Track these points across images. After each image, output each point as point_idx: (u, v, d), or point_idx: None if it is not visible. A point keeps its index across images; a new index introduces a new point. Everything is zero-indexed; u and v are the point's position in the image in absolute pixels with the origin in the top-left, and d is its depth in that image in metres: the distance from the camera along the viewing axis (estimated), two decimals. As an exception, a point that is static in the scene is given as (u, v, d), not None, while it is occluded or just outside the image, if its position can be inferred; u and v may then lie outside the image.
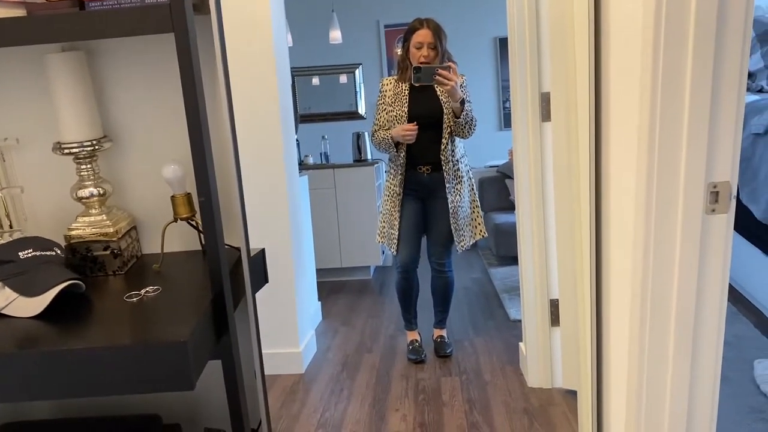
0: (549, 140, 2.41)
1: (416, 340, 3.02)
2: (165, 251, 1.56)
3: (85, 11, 1.27)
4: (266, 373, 2.84)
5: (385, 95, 2.83)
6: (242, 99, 2.70)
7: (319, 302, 3.74)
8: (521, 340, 2.74)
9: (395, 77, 2.85)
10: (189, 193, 1.44)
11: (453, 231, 2.79)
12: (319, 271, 4.45)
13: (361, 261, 4.60)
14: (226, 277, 1.32)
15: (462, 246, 2.82)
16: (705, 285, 1.07)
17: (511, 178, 5.06)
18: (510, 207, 5.04)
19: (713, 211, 1.03)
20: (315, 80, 6.14)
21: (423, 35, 2.71)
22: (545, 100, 2.40)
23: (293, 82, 6.03)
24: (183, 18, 1.19)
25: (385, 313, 3.71)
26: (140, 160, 1.51)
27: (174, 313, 1.25)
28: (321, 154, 4.99)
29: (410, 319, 3.05)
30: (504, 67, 5.97)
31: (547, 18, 2.35)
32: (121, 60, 1.48)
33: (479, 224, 2.89)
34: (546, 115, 2.40)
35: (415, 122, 2.70)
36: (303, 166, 4.70)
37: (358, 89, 6.06)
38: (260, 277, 1.66)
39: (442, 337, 3.06)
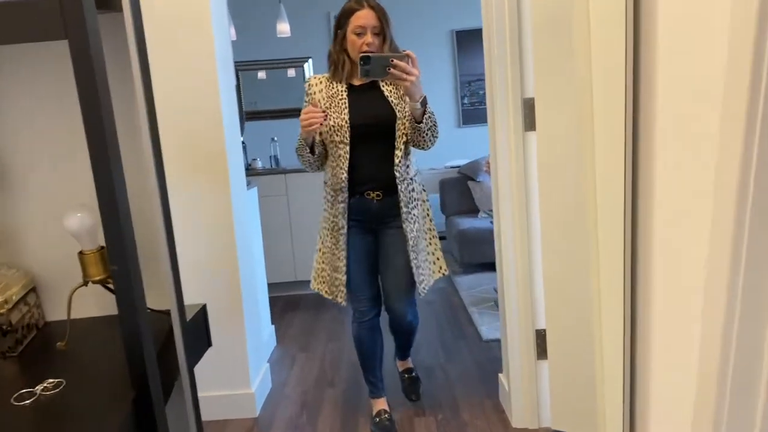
0: (533, 152, 2.14)
1: (385, 411, 2.37)
2: (77, 317, 1.22)
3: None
4: (214, 418, 2.49)
5: (313, 98, 2.18)
6: (178, 102, 2.33)
7: (273, 326, 3.40)
8: (500, 371, 2.48)
9: (326, 76, 2.21)
10: (103, 248, 1.10)
11: (414, 269, 2.18)
12: (272, 286, 4.10)
13: (317, 273, 4.26)
14: (151, 364, 0.98)
15: (424, 288, 2.22)
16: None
17: (474, 180, 4.81)
18: (474, 210, 4.79)
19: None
20: (261, 74, 5.74)
21: (364, 17, 2.08)
22: (528, 106, 2.12)
23: (237, 77, 5.63)
24: (80, 20, 0.84)
25: (345, 334, 3.40)
26: (39, 205, 1.15)
27: (83, 420, 0.92)
28: (271, 157, 4.62)
29: (376, 383, 2.40)
30: (462, 62, 5.72)
31: (530, 9, 2.07)
32: (15, 74, 1.11)
33: (438, 258, 2.32)
34: (530, 124, 2.12)
35: (351, 135, 2.10)
36: (251, 171, 4.33)
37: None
38: (201, 343, 1.33)
39: (409, 370, 2.61)
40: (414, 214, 2.20)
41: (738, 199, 0.79)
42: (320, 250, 2.29)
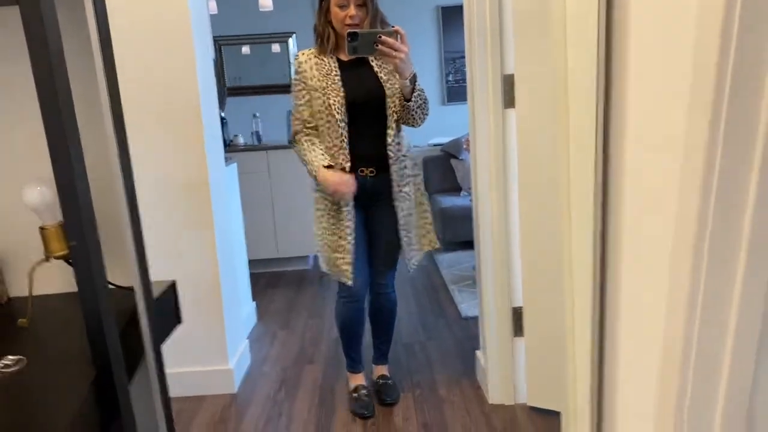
0: (512, 129, 2.12)
1: (363, 386, 2.39)
2: (41, 293, 1.20)
3: None
4: (193, 393, 2.49)
5: (305, 76, 2.12)
6: (154, 78, 2.28)
7: (254, 302, 3.39)
8: (478, 348, 2.49)
9: (313, 51, 2.15)
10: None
11: (404, 245, 2.20)
12: (254, 263, 4.08)
13: (299, 250, 4.25)
14: (113, 342, 0.97)
15: (414, 263, 2.25)
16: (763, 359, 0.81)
17: (457, 158, 4.79)
18: (456, 189, 4.79)
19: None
20: (245, 49, 5.64)
21: None
22: (508, 83, 2.10)
23: (220, 51, 5.53)
24: (30, -16, 0.81)
25: (326, 311, 3.40)
26: (-3, 178, 1.12)
27: (43, 398, 0.90)
28: (252, 133, 4.56)
29: (358, 359, 2.43)
30: (447, 38, 5.66)
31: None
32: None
33: (428, 232, 2.31)
34: (509, 101, 2.10)
35: (347, 113, 2.06)
36: (232, 147, 4.28)
37: (292, 59, 5.61)
38: (169, 320, 1.31)
39: (385, 377, 2.46)
40: (405, 191, 2.19)
41: (703, 179, 0.78)
42: (317, 233, 2.23)
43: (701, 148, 0.76)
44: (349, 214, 2.13)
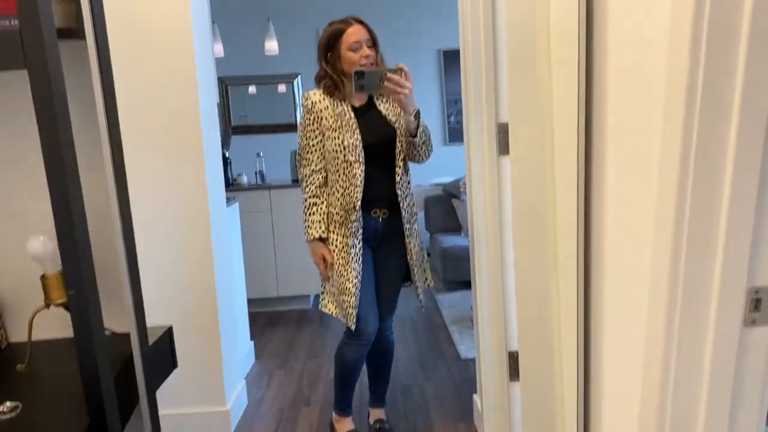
0: (507, 175, 2.17)
1: (354, 430, 2.39)
2: (41, 338, 1.22)
3: None
4: (188, 438, 2.48)
5: (320, 116, 2.13)
6: (157, 119, 2.34)
7: (252, 341, 3.39)
8: (475, 391, 2.49)
9: (321, 93, 2.17)
10: (65, 271, 1.11)
11: (416, 281, 2.26)
12: (254, 302, 4.10)
13: (300, 290, 4.27)
14: (108, 389, 0.99)
15: (422, 299, 2.32)
16: (739, 412, 0.83)
17: (458, 198, 4.84)
18: (457, 228, 4.82)
19: (753, 322, 0.78)
20: (251, 89, 5.77)
21: (357, 32, 2.09)
22: (503, 131, 2.15)
23: (226, 91, 5.65)
24: (40, 50, 0.86)
25: (325, 351, 3.40)
26: (2, 228, 1.16)
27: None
28: (256, 172, 4.63)
29: (350, 403, 2.40)
30: (449, 81, 5.78)
31: (505, 35, 2.10)
32: (-26, 95, 1.13)
33: (425, 270, 2.35)
34: (504, 148, 2.15)
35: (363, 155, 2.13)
36: (235, 186, 4.34)
37: (297, 99, 5.73)
38: (165, 366, 1.33)
39: (382, 421, 2.44)
40: (415, 228, 2.26)
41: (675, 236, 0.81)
42: (335, 272, 2.22)
43: (672, 198, 0.80)
44: (356, 256, 2.15)
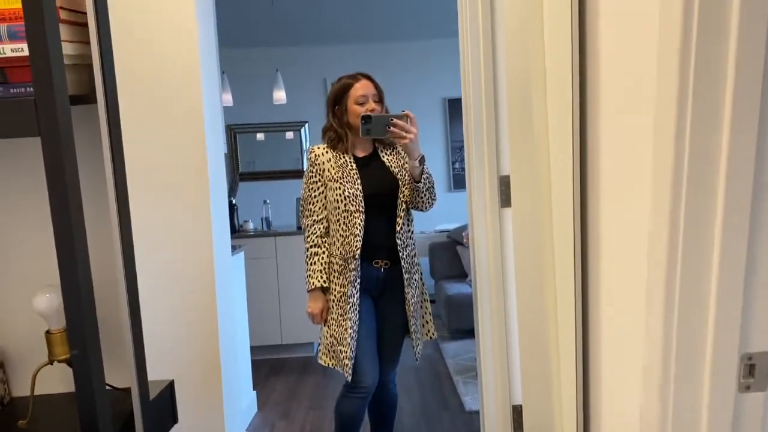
0: (509, 227, 2.19)
1: None
2: (43, 392, 1.23)
3: (-74, 102, 0.96)
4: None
5: (322, 168, 2.19)
6: (163, 167, 2.38)
7: (255, 391, 3.37)
8: (480, 445, 2.45)
9: (325, 147, 2.24)
10: (70, 327, 1.13)
11: (413, 334, 2.23)
12: (257, 349, 4.08)
13: (304, 337, 4.25)
14: (109, 449, 1.00)
15: (418, 353, 2.29)
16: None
17: (462, 245, 4.85)
18: (462, 275, 4.82)
19: (747, 388, 0.79)
20: (260, 136, 5.87)
21: (364, 86, 2.18)
22: (504, 183, 2.19)
23: (234, 139, 5.75)
24: (53, 118, 0.90)
25: (328, 401, 3.36)
26: (10, 282, 1.19)
27: None
28: (262, 219, 4.67)
29: None
30: (453, 128, 5.87)
31: (505, 89, 2.15)
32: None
33: (428, 322, 2.34)
34: (505, 201, 2.17)
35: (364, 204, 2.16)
36: (241, 233, 4.37)
37: (304, 146, 5.82)
38: (165, 421, 1.33)
39: None
40: (415, 279, 2.26)
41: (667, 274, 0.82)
42: (326, 322, 2.24)
43: (663, 265, 0.81)
44: (353, 306, 2.15)
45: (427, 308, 2.36)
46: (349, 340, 2.14)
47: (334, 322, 2.20)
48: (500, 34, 2.15)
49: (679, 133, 0.78)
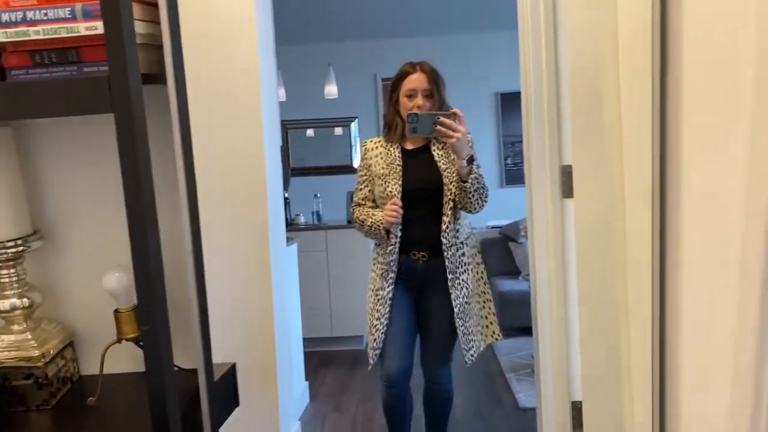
0: (570, 219, 2.12)
1: None
2: (111, 372, 1.25)
3: (5, 83, 0.98)
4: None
5: (369, 164, 2.23)
6: (223, 161, 2.42)
7: (307, 382, 3.39)
8: (536, 442, 2.40)
9: (381, 139, 2.25)
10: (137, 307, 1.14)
11: (461, 336, 2.17)
12: (308, 341, 4.09)
13: (354, 330, 4.25)
14: (175, 425, 1.00)
15: (472, 355, 2.20)
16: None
17: (515, 241, 4.78)
18: (515, 272, 4.74)
19: None
20: (310, 132, 5.92)
21: (416, 80, 2.14)
22: (566, 173, 2.12)
23: (286, 134, 5.81)
24: (126, 95, 0.90)
25: (378, 393, 3.34)
26: (80, 262, 1.21)
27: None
28: (313, 213, 4.70)
29: None
30: (505, 123, 5.78)
31: (568, 77, 2.09)
32: (60, 137, 1.19)
33: (491, 323, 2.28)
34: (567, 191, 2.11)
35: (403, 200, 2.13)
36: (293, 226, 4.41)
37: (353, 142, 5.83)
38: (228, 403, 1.34)
39: None
40: (462, 280, 2.19)
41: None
42: (368, 311, 2.29)
43: (760, 258, 0.76)
44: (383, 299, 2.17)
45: (489, 308, 2.30)
46: (374, 331, 2.18)
47: (369, 311, 2.27)
48: (562, 18, 2.09)
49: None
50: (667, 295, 1.16)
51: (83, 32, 0.95)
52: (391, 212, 2.10)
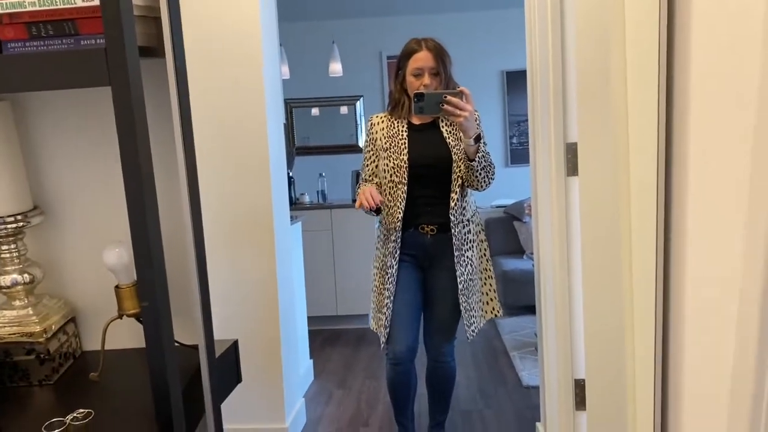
0: (575, 197, 2.11)
1: None
2: (113, 348, 1.25)
3: (2, 55, 0.97)
4: (246, 455, 2.50)
5: (374, 138, 2.20)
6: (226, 138, 2.41)
7: (311, 359, 3.41)
8: (539, 419, 2.41)
9: (386, 114, 2.24)
10: (138, 283, 1.14)
11: (464, 312, 2.16)
12: (313, 320, 4.12)
13: (359, 308, 4.26)
14: (176, 400, 1.00)
15: (473, 331, 2.19)
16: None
17: (520, 220, 4.76)
18: (519, 251, 4.73)
19: None
20: (315, 111, 5.87)
21: (422, 58, 2.11)
22: (571, 151, 2.10)
23: (290, 113, 5.77)
24: (123, 68, 0.89)
25: (383, 372, 3.36)
26: (81, 237, 1.21)
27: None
28: (318, 192, 4.69)
29: (406, 425, 2.36)
30: (511, 102, 5.72)
31: (574, 55, 2.06)
32: (60, 112, 1.18)
33: (492, 300, 2.27)
34: (572, 169, 2.09)
35: (410, 174, 2.11)
36: (298, 205, 4.40)
37: (359, 121, 5.79)
38: (230, 379, 1.34)
39: None
40: (467, 257, 2.19)
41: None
42: (372, 289, 2.28)
43: (764, 229, 0.75)
44: (392, 277, 2.16)
45: (490, 285, 2.30)
46: (385, 309, 2.17)
47: (376, 290, 2.25)
48: (570, -6, 2.05)
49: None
50: (672, 274, 1.15)
51: (79, 3, 0.93)
52: (363, 198, 2.06)
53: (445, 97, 1.99)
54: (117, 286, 1.12)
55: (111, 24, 0.89)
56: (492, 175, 2.16)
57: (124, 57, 0.88)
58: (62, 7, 0.93)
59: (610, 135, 1.61)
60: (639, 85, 1.29)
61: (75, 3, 0.93)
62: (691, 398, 1.09)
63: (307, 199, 4.55)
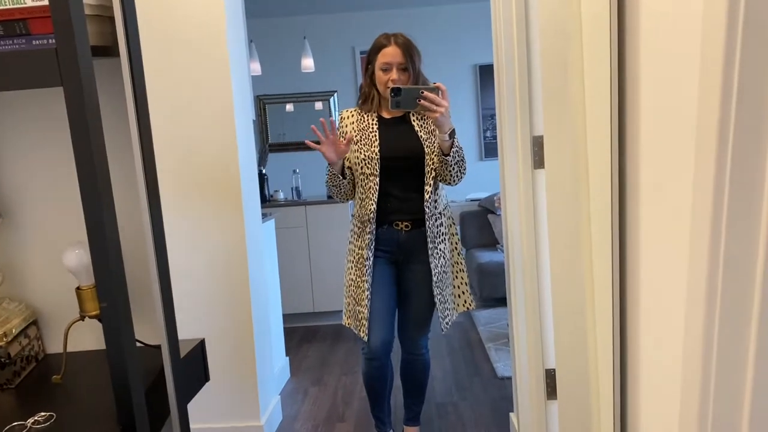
0: (542, 189, 2.13)
1: None
2: (77, 350, 1.25)
3: (-50, 55, 0.95)
4: (222, 453, 2.49)
5: (345, 132, 2.19)
6: (193, 137, 2.39)
7: (287, 357, 3.40)
8: (512, 410, 2.44)
9: (356, 108, 2.25)
10: (100, 284, 1.13)
11: (438, 305, 2.17)
12: (289, 317, 4.12)
13: (335, 305, 4.27)
14: (138, 401, 1.00)
15: (447, 324, 2.21)
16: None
17: (494, 213, 4.80)
18: (493, 243, 4.77)
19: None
20: (289, 107, 5.85)
21: (391, 53, 2.12)
22: (537, 144, 2.13)
23: (264, 110, 5.74)
24: (75, 68, 0.88)
25: (359, 367, 3.38)
26: (41, 239, 1.19)
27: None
28: (292, 189, 4.68)
29: (383, 419, 2.38)
30: (484, 96, 5.76)
31: (538, 44, 2.08)
32: (17, 113, 1.16)
33: (464, 293, 2.29)
34: (539, 162, 2.12)
35: (382, 168, 2.12)
36: (272, 202, 4.39)
37: (334, 116, 5.78)
38: (196, 379, 1.34)
39: None
40: (440, 249, 2.19)
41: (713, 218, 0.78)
42: (345, 284, 2.26)
43: (707, 211, 0.77)
44: (368, 269, 2.16)
45: (462, 278, 2.31)
46: (366, 301, 2.15)
47: (352, 284, 2.21)
48: (533, -12, 2.07)
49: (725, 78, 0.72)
50: (628, 266, 1.18)
51: (29, 3, 0.92)
52: (323, 146, 2.06)
53: (422, 92, 2.00)
54: (78, 288, 1.12)
55: (61, 24, 0.88)
56: (464, 170, 2.18)
57: (75, 57, 0.88)
58: (12, 7, 0.92)
59: (571, 128, 1.64)
60: (594, 80, 1.32)
61: (25, 3, 0.92)
62: (647, 381, 1.11)
63: (281, 195, 4.53)
